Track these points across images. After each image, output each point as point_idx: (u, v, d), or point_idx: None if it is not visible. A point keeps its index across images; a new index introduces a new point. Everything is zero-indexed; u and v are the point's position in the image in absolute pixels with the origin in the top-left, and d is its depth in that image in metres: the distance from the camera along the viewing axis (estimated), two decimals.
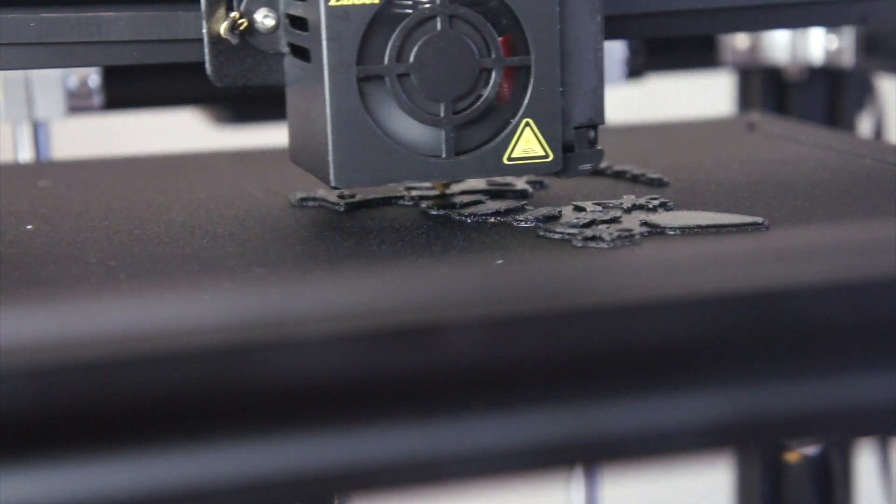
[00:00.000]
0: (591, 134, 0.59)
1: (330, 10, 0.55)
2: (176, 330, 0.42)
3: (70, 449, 0.39)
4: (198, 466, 0.40)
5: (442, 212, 0.61)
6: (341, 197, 0.64)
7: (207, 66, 0.61)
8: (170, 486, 0.40)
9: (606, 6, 0.59)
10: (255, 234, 0.59)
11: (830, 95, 1.18)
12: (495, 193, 0.65)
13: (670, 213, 0.60)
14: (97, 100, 0.99)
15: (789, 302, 0.45)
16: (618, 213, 0.59)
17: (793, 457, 1.16)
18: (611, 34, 0.63)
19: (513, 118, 0.57)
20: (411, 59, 0.56)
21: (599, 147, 0.60)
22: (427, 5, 0.55)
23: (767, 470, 1.20)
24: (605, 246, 0.54)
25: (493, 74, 0.56)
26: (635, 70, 1.06)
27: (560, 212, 0.60)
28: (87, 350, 0.40)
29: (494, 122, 0.57)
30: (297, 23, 0.59)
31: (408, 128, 0.56)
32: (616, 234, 0.55)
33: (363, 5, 0.55)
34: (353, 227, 0.60)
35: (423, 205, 0.62)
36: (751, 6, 0.70)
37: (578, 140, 0.59)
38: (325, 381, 0.41)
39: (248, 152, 0.81)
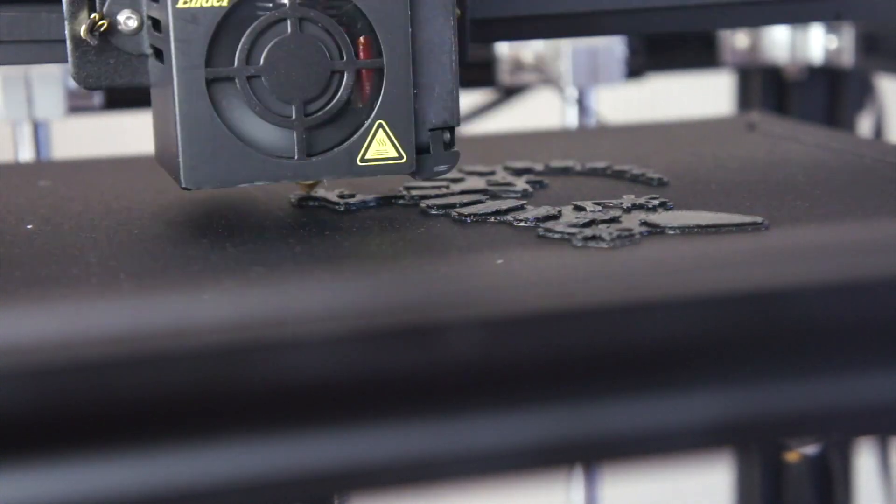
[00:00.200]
0: (447, 136, 0.60)
1: (177, 12, 0.55)
2: (176, 330, 0.42)
3: (70, 449, 0.39)
4: (198, 466, 0.40)
5: (442, 212, 0.61)
6: (341, 197, 0.64)
7: (70, 67, 0.61)
8: (170, 486, 0.40)
9: (579, 3, 0.60)
10: (255, 234, 0.59)
11: (830, 95, 1.18)
12: (495, 193, 0.65)
13: (670, 212, 0.60)
14: (97, 100, 0.99)
15: (789, 302, 0.45)
16: (618, 212, 0.59)
17: (793, 457, 1.16)
18: (600, 31, 0.63)
19: (367, 120, 0.58)
20: (261, 61, 0.56)
21: (455, 149, 0.60)
22: (277, 8, 0.56)
23: (767, 470, 1.20)
24: (605, 246, 0.54)
25: (345, 76, 0.57)
26: (635, 70, 1.06)
27: (560, 211, 0.60)
28: (87, 350, 0.40)
29: (349, 124, 0.58)
30: (156, 24, 0.59)
31: (260, 129, 0.57)
32: (616, 233, 0.55)
33: (211, 8, 0.55)
34: (353, 227, 0.60)
35: (423, 205, 0.62)
36: (721, 3, 0.70)
37: (433, 142, 0.59)
38: (325, 381, 0.41)
39: None
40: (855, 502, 1.20)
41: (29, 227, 0.61)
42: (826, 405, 0.46)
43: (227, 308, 0.46)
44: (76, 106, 0.97)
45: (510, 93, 1.10)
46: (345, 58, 0.57)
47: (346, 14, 0.57)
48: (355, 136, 0.58)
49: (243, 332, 0.41)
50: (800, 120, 1.10)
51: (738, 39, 1.13)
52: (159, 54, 0.59)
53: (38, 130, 0.98)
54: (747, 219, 0.57)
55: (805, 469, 1.17)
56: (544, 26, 0.71)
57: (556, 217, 0.59)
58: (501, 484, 0.44)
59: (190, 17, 0.55)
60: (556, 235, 0.56)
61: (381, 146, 0.58)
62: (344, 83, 0.57)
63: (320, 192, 0.65)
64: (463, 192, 0.64)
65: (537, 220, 0.59)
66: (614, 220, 0.58)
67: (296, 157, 0.57)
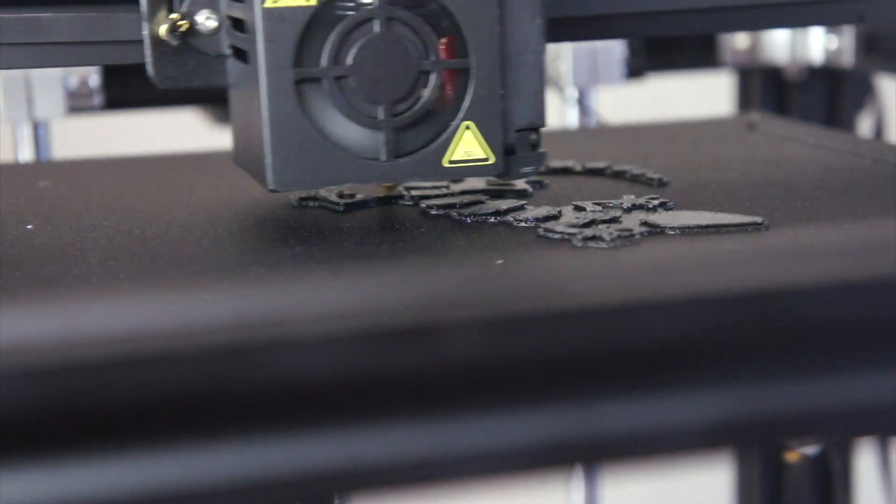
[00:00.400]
0: (533, 136, 0.59)
1: (266, 11, 0.54)
2: (176, 330, 0.42)
3: (70, 449, 0.39)
4: (198, 466, 0.40)
5: (442, 212, 0.61)
6: (341, 197, 0.64)
7: (149, 67, 0.61)
8: (170, 485, 0.40)
9: (601, 5, 0.59)
10: (255, 234, 0.59)
11: (830, 95, 1.18)
12: (495, 193, 0.65)
13: (670, 212, 0.60)
14: (97, 100, 0.99)
15: (789, 302, 0.45)
16: (618, 212, 0.59)
17: (793, 457, 1.16)
18: (603, 34, 0.62)
19: (453, 121, 0.57)
20: (349, 61, 0.55)
21: (542, 150, 0.59)
22: (365, 7, 0.55)
23: (767, 470, 1.20)
24: (605, 246, 0.54)
25: (432, 77, 0.56)
26: (635, 70, 1.06)
27: (560, 211, 0.60)
28: (87, 350, 0.40)
29: (435, 124, 0.57)
30: (238, 24, 0.58)
31: (347, 130, 0.56)
32: (616, 233, 0.55)
33: (299, 7, 0.54)
34: (353, 227, 0.60)
35: (423, 205, 0.62)
36: (747, 6, 0.70)
37: (520, 143, 0.59)
38: (325, 381, 0.41)
39: None
40: (855, 502, 1.20)
41: (29, 227, 0.61)
42: (826, 405, 0.46)
43: (227, 308, 0.46)
44: (76, 106, 0.97)
45: None
46: (432, 58, 0.56)
47: (432, 13, 0.56)
48: (442, 138, 0.57)
49: (243, 332, 0.41)
50: (800, 120, 1.10)
51: (739, 40, 1.13)
52: (241, 54, 0.58)
53: (38, 130, 0.98)
54: (747, 219, 0.57)
55: (805, 469, 1.17)
56: (570, 29, 0.70)
57: (556, 217, 0.59)
58: (501, 484, 0.44)
59: (278, 16, 0.54)
60: (556, 235, 0.56)
61: (468, 147, 0.57)
62: (431, 83, 0.56)
63: (321, 192, 0.65)
64: (463, 193, 0.64)
65: (537, 220, 0.59)
66: (614, 220, 0.58)
67: (383, 158, 0.56)
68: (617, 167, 0.70)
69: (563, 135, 0.95)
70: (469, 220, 0.60)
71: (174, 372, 0.40)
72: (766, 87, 1.18)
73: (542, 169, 0.60)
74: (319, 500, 0.45)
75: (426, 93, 0.56)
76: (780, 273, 0.47)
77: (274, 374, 0.41)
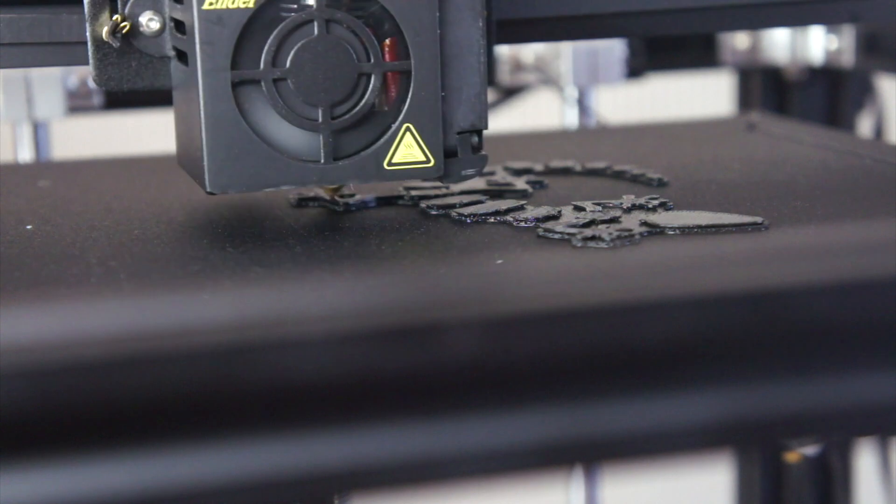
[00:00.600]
0: (475, 139, 0.59)
1: (203, 13, 0.54)
2: (176, 330, 0.42)
3: (70, 449, 0.39)
4: (198, 466, 0.40)
5: (442, 212, 0.61)
6: (341, 197, 0.64)
7: (91, 69, 0.61)
8: (170, 486, 0.40)
9: (601, 5, 0.59)
10: (255, 234, 0.59)
11: (830, 95, 1.19)
12: (495, 193, 0.65)
13: (670, 213, 0.60)
14: (97, 100, 0.99)
15: (789, 302, 0.45)
16: (617, 213, 0.59)
17: (793, 457, 1.16)
18: (603, 33, 0.62)
19: (394, 123, 0.57)
20: (288, 63, 0.55)
21: (483, 152, 0.59)
22: (304, 10, 0.55)
23: (767, 470, 1.20)
24: (605, 246, 0.54)
25: (373, 79, 0.56)
26: (635, 70, 1.06)
27: (560, 212, 0.60)
28: (87, 350, 0.40)
29: (375, 127, 0.57)
30: (179, 26, 0.58)
31: (286, 133, 0.56)
32: (616, 234, 0.55)
33: (237, 9, 0.54)
34: (353, 227, 0.60)
35: (423, 205, 0.62)
36: (741, 5, 0.70)
37: (461, 145, 0.59)
38: (325, 380, 0.41)
39: None
40: (855, 502, 1.20)
41: (29, 227, 0.61)
42: (826, 405, 0.46)
43: (227, 308, 0.46)
44: (76, 106, 0.97)
45: (510, 93, 1.10)
46: (372, 60, 0.56)
47: (372, 15, 0.56)
48: (382, 140, 0.57)
49: (243, 332, 0.41)
50: (800, 120, 1.10)
51: (739, 40, 1.13)
52: (183, 56, 0.58)
53: (38, 130, 0.98)
54: (747, 219, 0.57)
55: (805, 469, 1.17)
56: (569, 28, 0.70)
57: (556, 217, 0.59)
58: (501, 484, 0.44)
59: (216, 18, 0.54)
60: (556, 235, 0.56)
61: (408, 150, 0.57)
62: (371, 86, 0.56)
63: (320, 192, 0.65)
64: (463, 193, 0.64)
65: (537, 220, 0.59)
66: (614, 220, 0.58)
67: (322, 160, 0.56)
68: (617, 167, 0.70)
69: (563, 135, 0.95)
70: (469, 220, 0.60)
71: (174, 372, 0.40)
72: (767, 87, 1.19)
73: (484, 170, 0.60)
74: (319, 500, 0.45)
75: (366, 95, 0.56)
76: (780, 273, 0.47)
77: (274, 374, 0.41)
